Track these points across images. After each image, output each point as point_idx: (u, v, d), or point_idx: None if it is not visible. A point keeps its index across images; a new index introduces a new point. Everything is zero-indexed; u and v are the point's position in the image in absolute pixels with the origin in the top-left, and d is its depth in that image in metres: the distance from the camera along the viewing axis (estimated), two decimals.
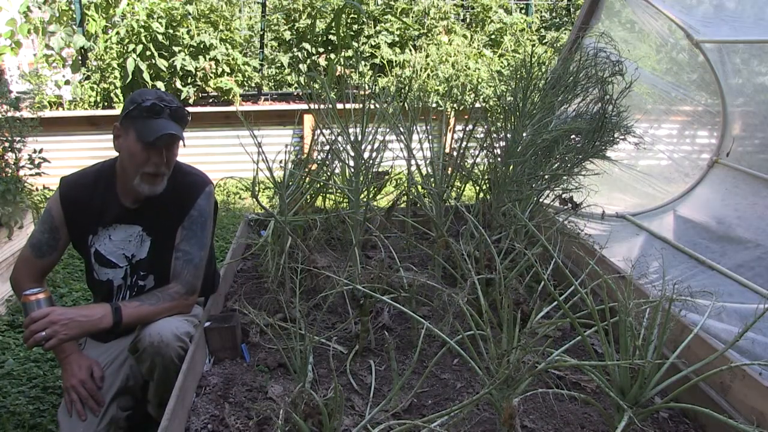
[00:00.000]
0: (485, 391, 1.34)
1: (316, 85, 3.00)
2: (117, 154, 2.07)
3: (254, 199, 2.21)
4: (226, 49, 6.17)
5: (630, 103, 2.89)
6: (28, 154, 3.53)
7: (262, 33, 6.71)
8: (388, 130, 2.70)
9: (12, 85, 5.95)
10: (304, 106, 5.55)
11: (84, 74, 6.12)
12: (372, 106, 2.65)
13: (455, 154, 2.71)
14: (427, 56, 6.58)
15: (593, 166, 2.77)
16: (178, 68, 5.94)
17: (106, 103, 6.11)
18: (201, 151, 5.80)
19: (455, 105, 6.17)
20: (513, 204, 2.46)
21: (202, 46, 6.05)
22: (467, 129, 2.80)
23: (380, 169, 2.80)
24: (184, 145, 2.02)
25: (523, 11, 7.53)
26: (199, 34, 6.06)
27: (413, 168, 2.91)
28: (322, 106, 2.68)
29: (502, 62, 6.78)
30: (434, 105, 6.10)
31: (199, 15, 6.17)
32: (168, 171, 2.01)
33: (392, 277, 2.03)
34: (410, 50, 6.69)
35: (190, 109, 2.28)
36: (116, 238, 2.09)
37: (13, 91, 4.00)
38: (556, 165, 2.62)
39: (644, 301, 1.71)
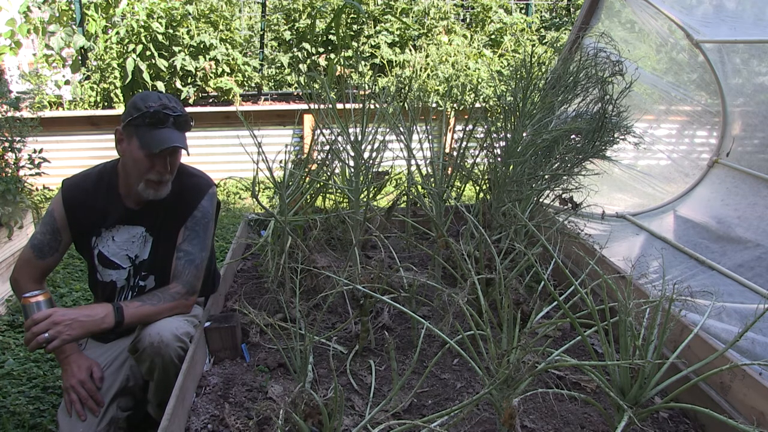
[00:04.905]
0: (485, 391, 1.34)
1: (316, 85, 2.99)
2: (117, 154, 2.08)
3: (254, 199, 2.21)
4: (226, 49, 6.18)
5: (630, 103, 2.89)
6: (28, 154, 3.53)
7: (262, 33, 6.71)
8: (388, 130, 2.70)
9: (12, 85, 5.96)
10: (304, 106, 5.56)
11: (84, 74, 6.12)
12: (372, 106, 2.65)
13: (455, 154, 2.71)
14: (427, 56, 6.58)
15: (593, 166, 2.77)
16: (178, 68, 5.94)
17: (106, 103, 6.11)
18: (201, 151, 5.80)
19: (455, 105, 6.17)
20: (513, 204, 2.46)
21: (202, 46, 6.05)
22: (467, 129, 2.80)
23: (380, 169, 2.80)
24: (188, 155, 2.02)
25: (523, 11, 7.54)
26: (199, 34, 6.06)
27: (413, 168, 2.91)
28: (322, 106, 2.67)
29: (502, 62, 6.78)
30: (434, 105, 6.10)
31: (199, 15, 6.17)
32: (172, 176, 2.02)
33: (392, 277, 2.03)
34: (410, 50, 6.69)
35: (190, 109, 2.28)
36: (119, 239, 2.09)
37: (13, 91, 4.01)
38: (556, 165, 2.62)
39: (644, 301, 1.71)
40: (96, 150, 5.79)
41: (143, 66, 5.86)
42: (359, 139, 2.50)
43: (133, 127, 1.92)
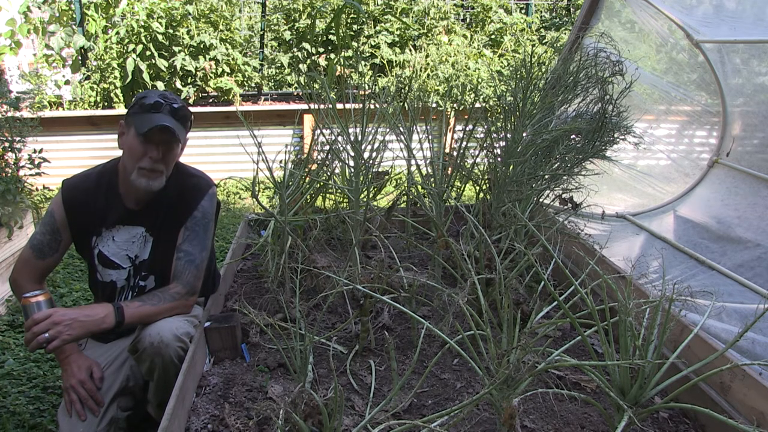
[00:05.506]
0: (485, 391, 1.34)
1: (316, 85, 2.99)
2: (118, 154, 2.08)
3: (254, 199, 2.21)
4: (226, 49, 6.18)
5: (630, 103, 2.89)
6: (28, 154, 3.53)
7: (262, 33, 6.71)
8: (388, 130, 2.70)
9: (12, 85, 5.96)
10: (304, 106, 5.56)
11: (84, 74, 6.12)
12: (372, 106, 2.65)
13: (455, 154, 2.71)
14: (427, 56, 6.58)
15: (593, 166, 2.77)
16: (178, 68, 5.94)
17: (106, 103, 6.11)
18: (201, 151, 5.81)
19: (455, 105, 6.18)
20: (513, 204, 2.46)
21: (202, 46, 6.05)
22: (467, 129, 2.80)
23: (380, 169, 2.80)
24: (180, 144, 2.02)
25: (523, 11, 7.54)
26: (199, 34, 6.06)
27: (413, 168, 2.91)
28: (322, 106, 2.67)
29: (502, 62, 6.78)
30: (434, 105, 6.10)
31: (199, 15, 6.17)
32: (166, 169, 2.02)
33: (392, 277, 2.03)
34: (410, 50, 6.69)
35: (189, 109, 2.28)
36: (120, 239, 2.09)
37: (13, 91, 4.01)
38: (556, 165, 2.61)
39: (644, 301, 1.71)
40: (96, 150, 5.79)
41: (143, 66, 5.86)
42: (359, 139, 2.50)
43: (131, 116, 1.97)
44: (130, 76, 5.86)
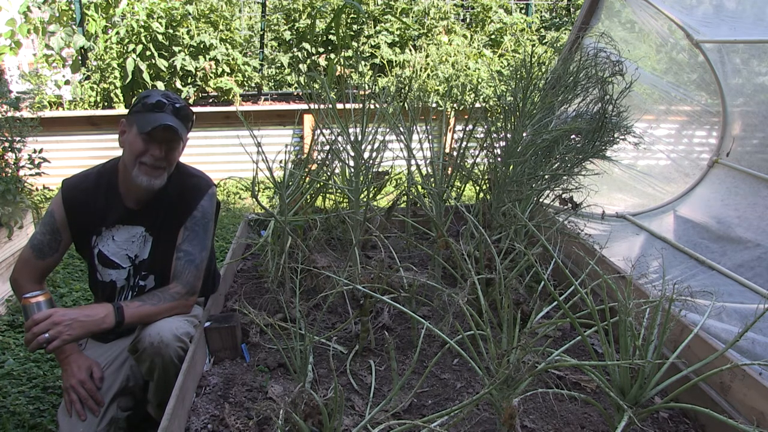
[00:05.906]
0: (485, 391, 1.34)
1: (316, 85, 2.99)
2: (118, 154, 2.08)
3: (254, 199, 2.21)
4: (226, 49, 6.18)
5: (630, 103, 2.89)
6: (28, 154, 3.53)
7: (262, 33, 6.71)
8: (388, 130, 2.70)
9: (12, 85, 5.96)
10: (304, 106, 5.56)
11: (84, 74, 6.13)
12: (372, 106, 2.65)
13: (455, 154, 2.71)
14: (427, 56, 6.58)
15: (593, 166, 2.77)
16: (178, 68, 5.94)
17: (105, 103, 6.11)
18: (201, 151, 5.81)
19: (455, 105, 6.18)
20: (513, 204, 2.46)
21: (202, 46, 6.05)
22: (467, 129, 2.80)
23: (380, 169, 2.80)
24: (183, 143, 2.03)
25: (523, 11, 7.54)
26: (199, 34, 6.06)
27: (413, 168, 2.91)
28: (322, 106, 2.67)
29: (502, 62, 6.78)
30: (434, 105, 6.10)
31: (199, 15, 6.18)
32: (168, 167, 2.02)
33: (392, 277, 2.03)
34: (410, 50, 6.69)
35: (191, 109, 2.29)
36: (119, 238, 2.10)
37: (13, 91, 4.01)
38: (556, 165, 2.61)
39: (644, 301, 1.71)
40: (96, 150, 5.79)
41: (143, 66, 5.86)
42: (359, 139, 2.50)
43: (133, 115, 1.98)
44: (130, 76, 5.86)
